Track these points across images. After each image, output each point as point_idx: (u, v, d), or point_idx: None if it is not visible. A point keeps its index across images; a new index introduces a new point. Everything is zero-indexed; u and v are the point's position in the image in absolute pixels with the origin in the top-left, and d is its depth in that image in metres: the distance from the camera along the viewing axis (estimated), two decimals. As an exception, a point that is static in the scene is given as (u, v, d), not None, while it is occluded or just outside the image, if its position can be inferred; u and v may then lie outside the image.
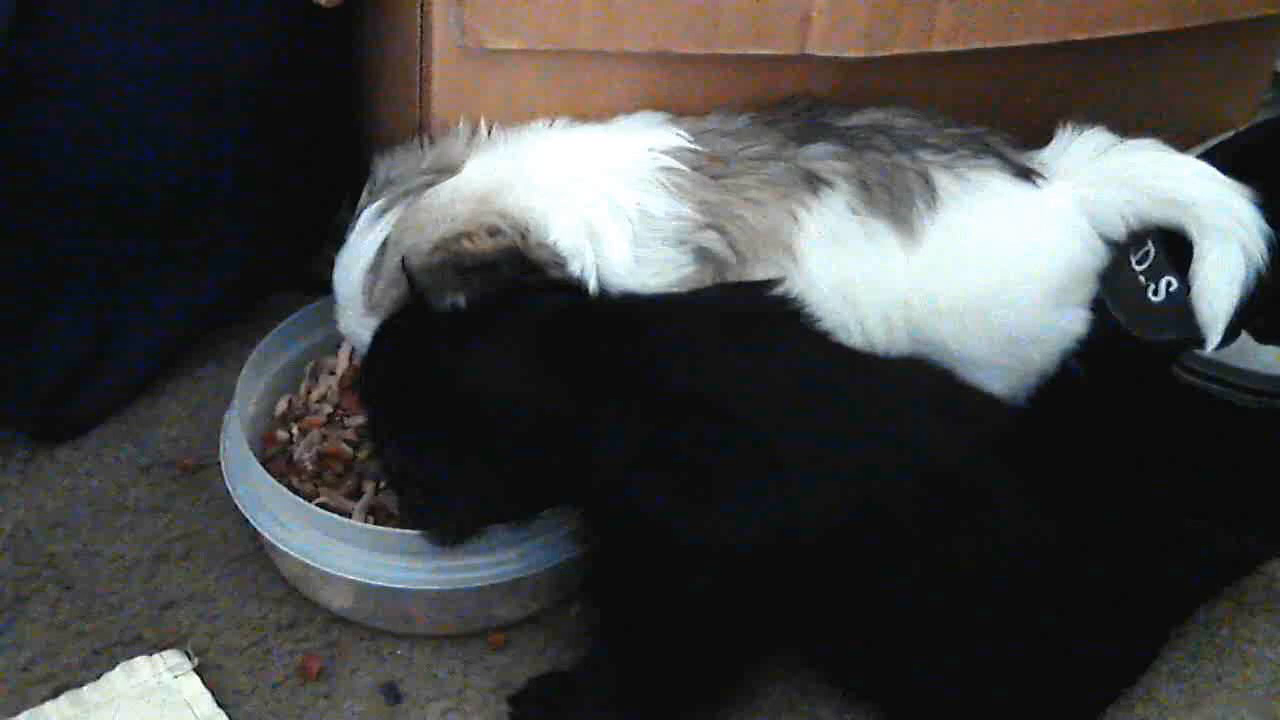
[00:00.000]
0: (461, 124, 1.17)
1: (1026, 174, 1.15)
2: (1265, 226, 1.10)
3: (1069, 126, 1.18)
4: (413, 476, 1.05)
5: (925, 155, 1.15)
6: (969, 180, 1.14)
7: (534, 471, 1.01)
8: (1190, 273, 1.11)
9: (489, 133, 1.16)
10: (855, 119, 1.17)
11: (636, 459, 0.98)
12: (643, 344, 1.02)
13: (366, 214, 1.14)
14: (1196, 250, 1.11)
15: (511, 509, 1.05)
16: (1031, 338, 1.17)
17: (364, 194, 1.17)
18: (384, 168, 1.17)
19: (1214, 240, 1.10)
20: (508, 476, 1.02)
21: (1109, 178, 1.15)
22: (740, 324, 1.04)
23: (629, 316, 1.05)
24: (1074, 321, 1.17)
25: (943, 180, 1.14)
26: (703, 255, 1.12)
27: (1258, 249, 1.09)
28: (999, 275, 1.15)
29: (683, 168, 1.13)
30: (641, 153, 1.13)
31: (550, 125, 1.17)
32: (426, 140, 1.18)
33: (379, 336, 1.08)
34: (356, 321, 1.14)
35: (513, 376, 1.01)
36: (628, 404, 0.99)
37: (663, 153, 1.13)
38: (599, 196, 1.11)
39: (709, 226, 1.12)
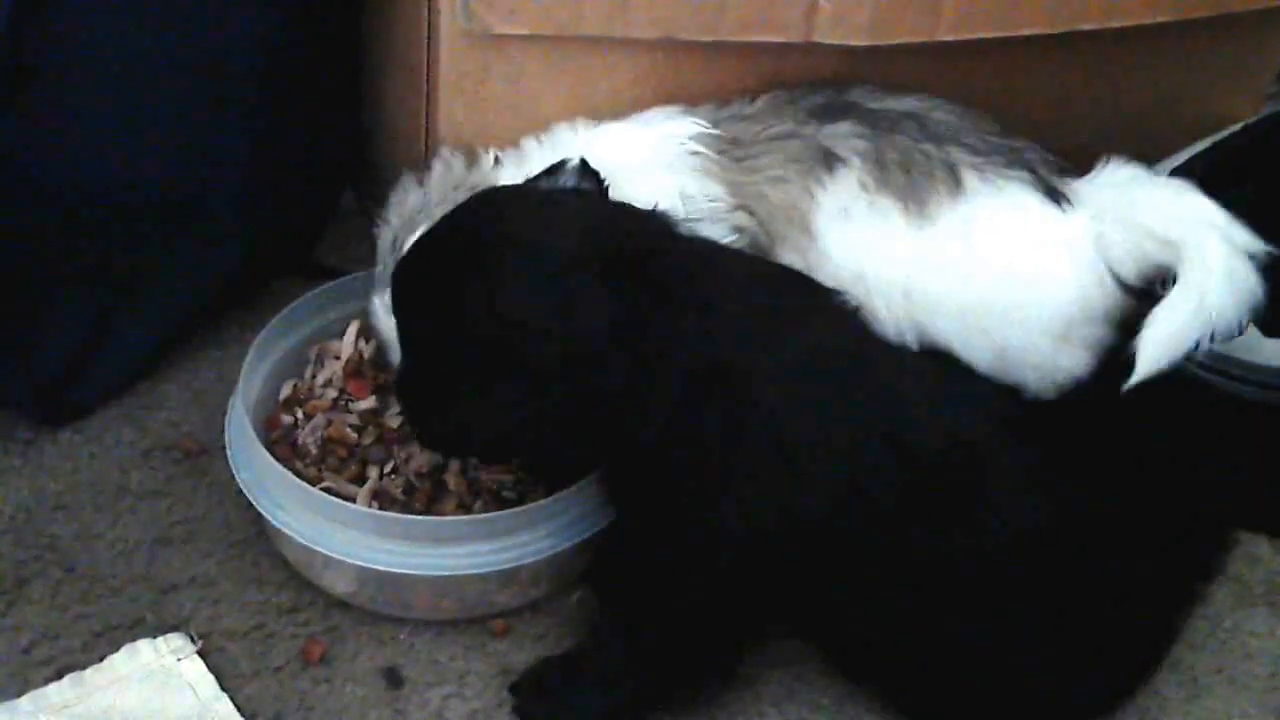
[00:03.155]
0: (453, 153, 1.17)
1: (1055, 196, 1.13)
2: (1245, 277, 1.06)
3: (1107, 158, 1.15)
4: (426, 378, 1.04)
5: (956, 151, 1.13)
6: (995, 185, 1.13)
7: (560, 407, 0.98)
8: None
9: (495, 158, 1.16)
10: (889, 103, 1.16)
11: (664, 428, 0.98)
12: (695, 309, 1.00)
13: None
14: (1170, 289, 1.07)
15: (520, 439, 1.03)
16: (1032, 364, 1.14)
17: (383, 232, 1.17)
18: (405, 197, 1.16)
19: (1181, 289, 1.06)
20: (529, 402, 0.98)
21: (1122, 215, 1.11)
22: (790, 312, 1.03)
23: (692, 275, 1.02)
24: (1075, 363, 1.14)
25: (969, 177, 1.13)
26: (739, 232, 1.13)
27: (1218, 304, 1.05)
28: (1007, 288, 1.12)
29: (708, 152, 1.14)
30: (668, 140, 1.14)
31: (573, 127, 1.17)
32: (436, 168, 1.17)
33: (420, 243, 1.05)
34: None
35: (570, 300, 0.97)
36: (665, 368, 0.98)
37: (688, 138, 1.14)
38: (646, 183, 1.11)
39: (740, 208, 1.13)
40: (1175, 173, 1.28)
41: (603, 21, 1.16)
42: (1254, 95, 1.42)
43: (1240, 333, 1.08)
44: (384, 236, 1.17)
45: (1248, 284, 1.06)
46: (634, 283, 0.98)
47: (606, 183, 1.08)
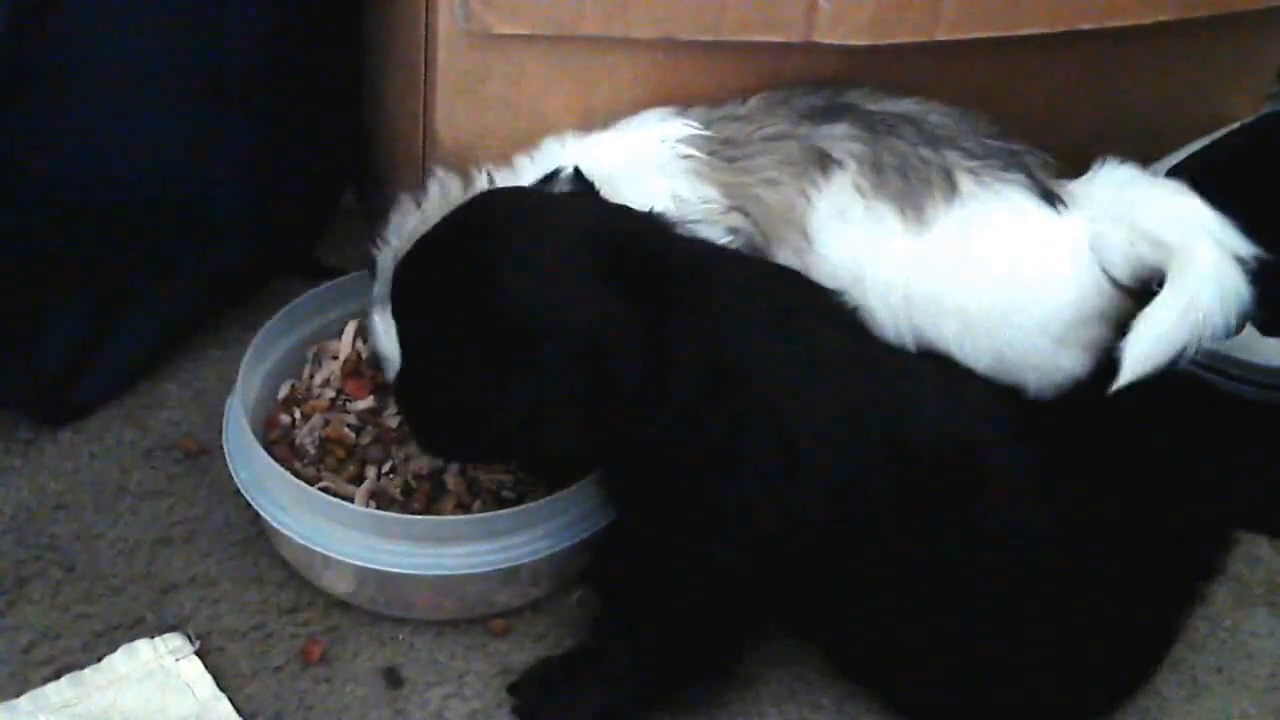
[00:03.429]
0: (446, 176, 1.17)
1: (1051, 199, 1.13)
2: (1235, 281, 1.05)
3: (1103, 158, 1.15)
4: (426, 380, 1.03)
5: (952, 155, 1.13)
6: (992, 189, 1.12)
7: (561, 407, 0.98)
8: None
9: (488, 175, 1.15)
10: (887, 105, 1.16)
11: (665, 428, 0.98)
12: (697, 309, 1.00)
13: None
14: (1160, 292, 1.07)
15: (520, 441, 1.01)
16: (1031, 366, 1.13)
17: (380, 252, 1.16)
18: (405, 219, 1.15)
19: (1170, 292, 1.05)
20: (530, 404, 0.97)
21: (1117, 215, 1.11)
22: (791, 312, 1.03)
23: (693, 276, 1.02)
24: (1074, 364, 1.13)
25: (965, 181, 1.12)
26: (734, 233, 1.12)
27: (1206, 308, 1.04)
28: (1005, 290, 1.12)
29: (699, 154, 1.13)
30: (659, 144, 1.14)
31: (561, 140, 1.16)
32: (431, 189, 1.17)
33: (429, 235, 1.04)
34: None
35: (573, 298, 0.97)
36: (666, 368, 0.98)
37: (678, 141, 1.14)
38: (639, 188, 1.11)
39: (734, 209, 1.13)
40: (1172, 172, 1.28)
41: (603, 21, 1.16)
42: (1254, 95, 1.42)
43: (1228, 336, 1.08)
44: (384, 257, 1.16)
45: (1236, 288, 1.05)
46: (635, 283, 0.98)
47: (600, 190, 1.08)
